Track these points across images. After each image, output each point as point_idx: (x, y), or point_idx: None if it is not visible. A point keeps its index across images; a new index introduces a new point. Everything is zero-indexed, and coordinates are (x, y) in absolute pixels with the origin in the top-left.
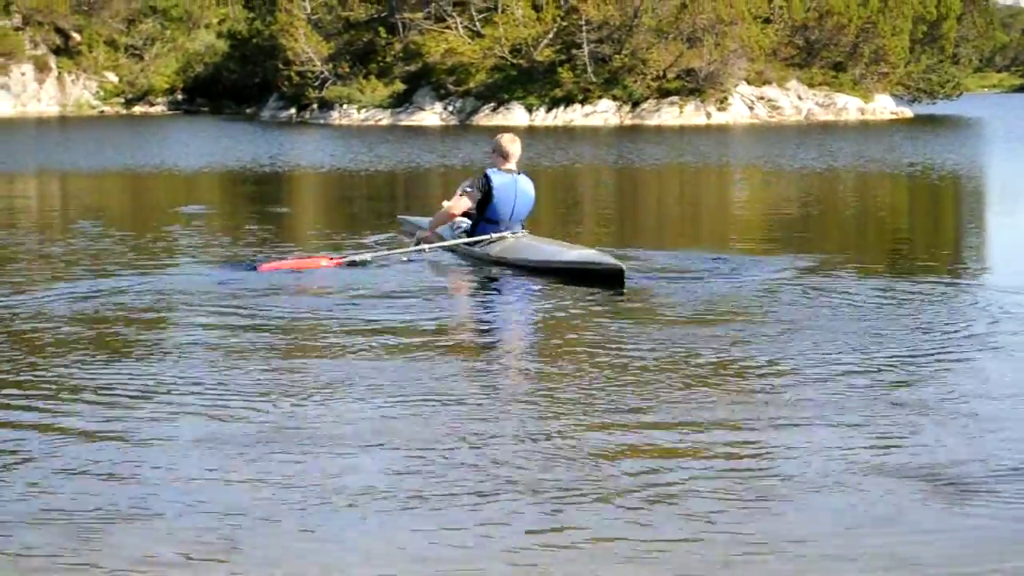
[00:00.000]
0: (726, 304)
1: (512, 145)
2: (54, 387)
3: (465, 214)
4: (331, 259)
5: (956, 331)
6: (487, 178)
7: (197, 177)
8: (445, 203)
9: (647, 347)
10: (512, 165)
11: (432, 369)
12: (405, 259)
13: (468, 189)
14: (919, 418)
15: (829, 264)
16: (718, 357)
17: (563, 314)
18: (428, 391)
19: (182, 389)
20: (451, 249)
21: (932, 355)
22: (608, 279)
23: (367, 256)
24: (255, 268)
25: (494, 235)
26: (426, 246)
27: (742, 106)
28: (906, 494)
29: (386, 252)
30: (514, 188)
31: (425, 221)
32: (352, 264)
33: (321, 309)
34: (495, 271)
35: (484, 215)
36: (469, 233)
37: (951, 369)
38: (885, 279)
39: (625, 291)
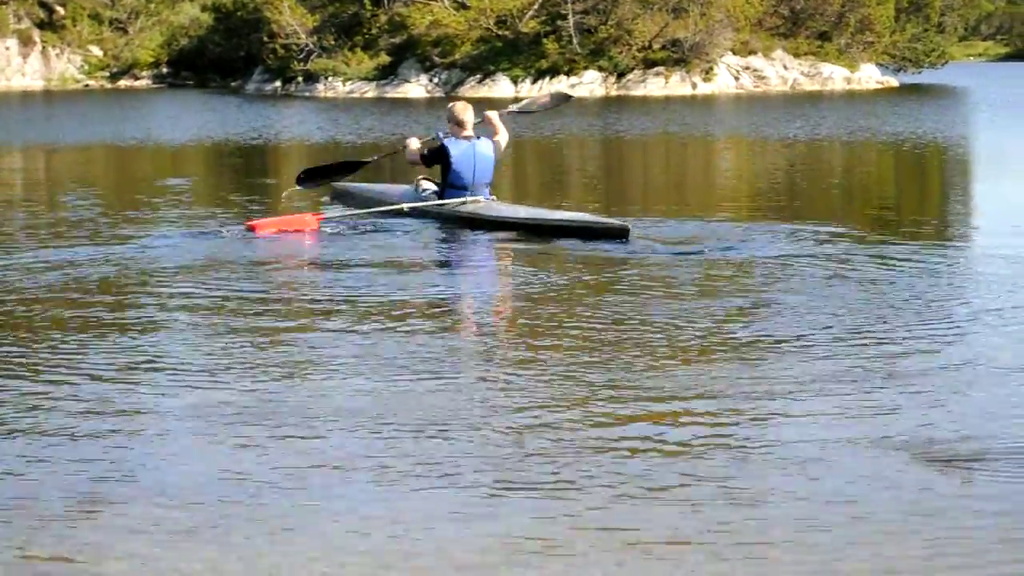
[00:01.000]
0: (716, 275)
1: (465, 113)
2: (37, 360)
3: (432, 182)
4: (316, 215)
5: (949, 299)
6: (444, 148)
7: (182, 150)
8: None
9: (638, 319)
10: (469, 131)
11: (427, 344)
12: (381, 218)
13: (424, 152)
14: (916, 391)
15: (818, 233)
16: (711, 331)
17: (560, 281)
18: (421, 368)
19: (166, 363)
20: (427, 210)
21: (926, 325)
22: (612, 237)
23: (348, 212)
24: (248, 228)
25: (467, 198)
26: (405, 205)
27: (728, 76)
28: (902, 468)
29: (366, 211)
30: (472, 153)
31: (367, 187)
32: (334, 219)
33: (308, 280)
34: (478, 233)
35: (448, 181)
36: (439, 197)
37: (946, 340)
38: (874, 248)
39: (615, 260)
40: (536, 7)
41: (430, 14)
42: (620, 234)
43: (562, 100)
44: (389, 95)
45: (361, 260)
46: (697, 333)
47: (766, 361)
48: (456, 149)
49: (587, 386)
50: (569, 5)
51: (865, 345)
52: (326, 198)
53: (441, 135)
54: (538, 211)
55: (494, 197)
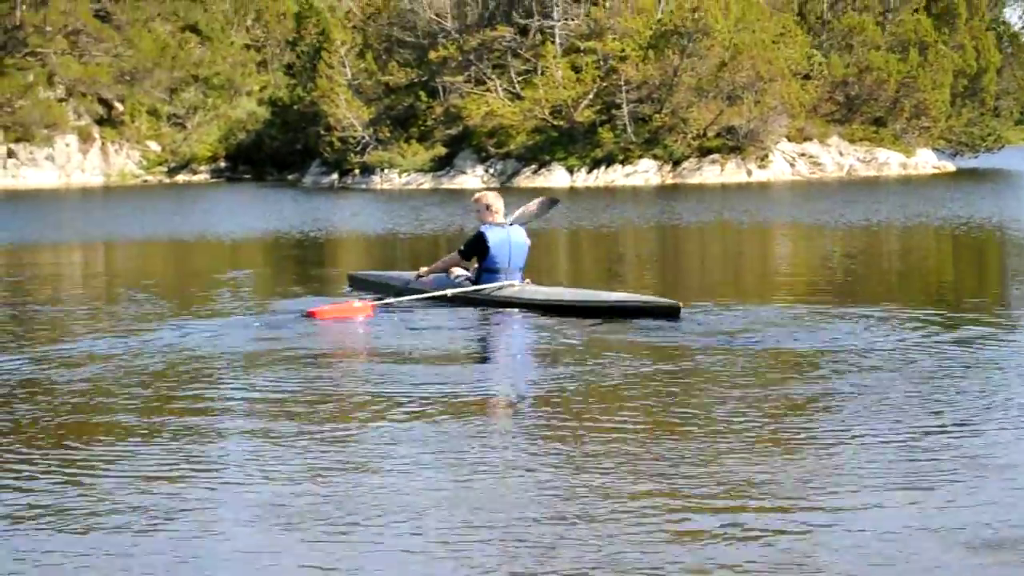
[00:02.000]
0: (774, 364)
1: (497, 201)
2: (97, 456)
3: (464, 268)
4: (371, 303)
5: (1013, 388)
6: (482, 236)
7: (241, 244)
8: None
9: (697, 410)
10: (501, 218)
11: (485, 437)
12: (424, 300)
13: (462, 250)
14: (981, 479)
15: (877, 321)
16: (774, 416)
17: (615, 371)
18: (481, 462)
19: (226, 460)
20: (469, 296)
21: (990, 415)
22: (662, 316)
23: (399, 299)
24: (308, 315)
25: (504, 282)
26: (449, 291)
27: (783, 163)
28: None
29: (413, 297)
30: (508, 239)
31: (388, 275)
32: (387, 306)
33: (367, 372)
34: (525, 316)
35: (484, 266)
36: (474, 283)
37: (1013, 430)
38: (934, 336)
39: (672, 348)
40: (591, 97)
41: (485, 105)
42: (670, 313)
43: (550, 205)
44: (445, 186)
45: (418, 351)
46: (756, 423)
47: (826, 452)
48: (493, 235)
49: (650, 479)
50: (623, 94)
51: (929, 434)
52: (347, 288)
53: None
54: (580, 292)
55: (528, 280)
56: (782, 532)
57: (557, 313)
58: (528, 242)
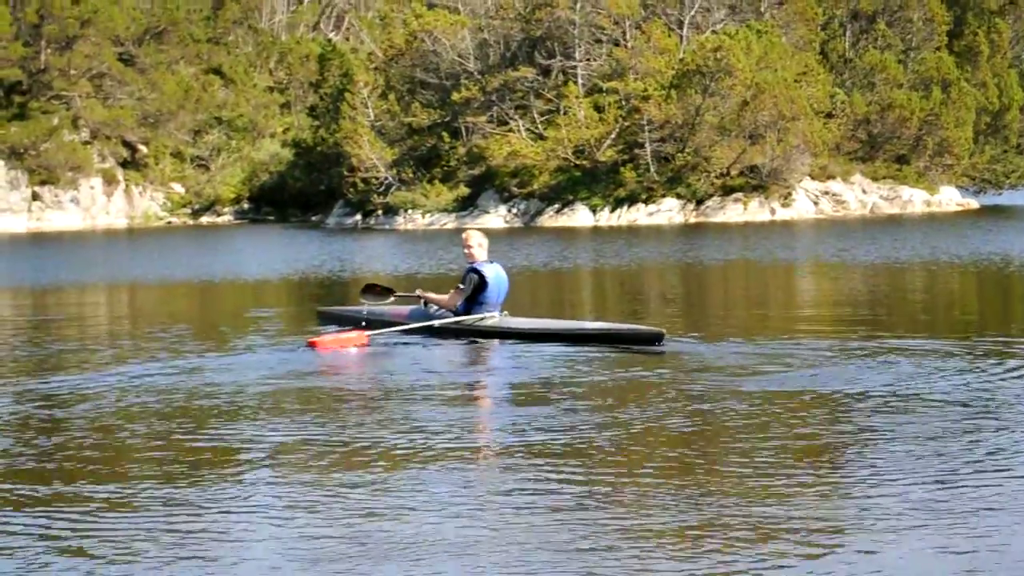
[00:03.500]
0: (803, 398)
1: (482, 238)
2: (127, 493)
3: None
4: (366, 334)
5: None
6: (479, 272)
7: (264, 284)
8: (431, 293)
9: (723, 443)
10: (485, 255)
11: (508, 476)
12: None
13: (461, 287)
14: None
15: (903, 357)
16: (808, 456)
17: (639, 411)
18: (506, 500)
19: (252, 500)
20: (454, 327)
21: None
22: (647, 342)
23: (391, 330)
24: (309, 345)
25: (486, 314)
26: (436, 323)
27: (807, 201)
28: None
29: (404, 327)
30: (497, 276)
31: (359, 308)
32: (380, 336)
33: (377, 407)
34: (512, 345)
35: (476, 299)
36: (458, 315)
37: None
38: (960, 372)
39: (697, 389)
40: (613, 136)
41: (508, 145)
42: (653, 340)
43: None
44: (468, 226)
45: (422, 384)
46: (785, 463)
47: (858, 492)
48: (488, 272)
49: (682, 518)
50: (646, 133)
51: (960, 472)
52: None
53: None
54: (565, 322)
55: (507, 313)
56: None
57: (544, 341)
58: (507, 280)
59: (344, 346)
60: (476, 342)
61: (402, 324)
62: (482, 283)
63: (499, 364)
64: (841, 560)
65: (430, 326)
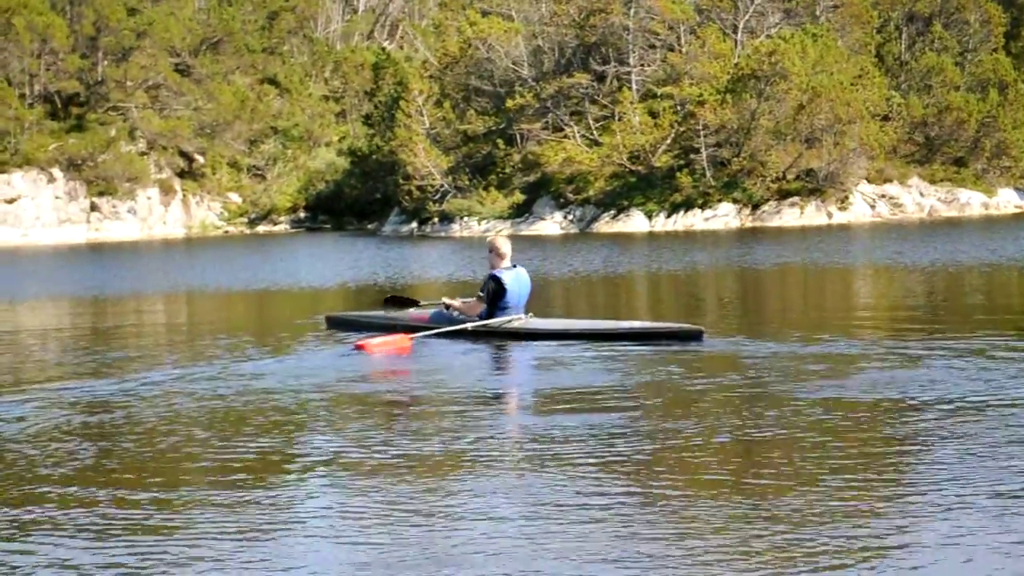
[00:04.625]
0: (866, 401)
1: (505, 246)
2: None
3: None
4: (409, 336)
5: None
6: (497, 278)
7: (322, 292)
8: (456, 300)
9: (782, 445)
10: (508, 262)
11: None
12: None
13: (481, 294)
14: None
15: (968, 357)
16: (866, 462)
17: (690, 409)
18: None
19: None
20: (488, 329)
21: None
22: (686, 340)
23: (430, 333)
24: (357, 347)
25: (511, 317)
26: (469, 325)
27: (863, 205)
28: None
29: (440, 330)
30: (517, 280)
31: (372, 314)
32: (422, 340)
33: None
34: (548, 344)
35: (497, 305)
36: (484, 319)
37: None
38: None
39: (751, 391)
40: (668, 141)
41: (563, 151)
42: (691, 337)
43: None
44: (524, 233)
45: (474, 390)
46: (842, 470)
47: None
48: (507, 277)
49: (733, 527)
50: (702, 138)
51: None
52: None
53: (442, 304)
54: (599, 322)
55: (531, 314)
56: None
57: (586, 340)
58: (530, 283)
59: (388, 349)
60: (520, 344)
61: (425, 328)
62: (500, 289)
63: (546, 368)
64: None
65: (464, 328)
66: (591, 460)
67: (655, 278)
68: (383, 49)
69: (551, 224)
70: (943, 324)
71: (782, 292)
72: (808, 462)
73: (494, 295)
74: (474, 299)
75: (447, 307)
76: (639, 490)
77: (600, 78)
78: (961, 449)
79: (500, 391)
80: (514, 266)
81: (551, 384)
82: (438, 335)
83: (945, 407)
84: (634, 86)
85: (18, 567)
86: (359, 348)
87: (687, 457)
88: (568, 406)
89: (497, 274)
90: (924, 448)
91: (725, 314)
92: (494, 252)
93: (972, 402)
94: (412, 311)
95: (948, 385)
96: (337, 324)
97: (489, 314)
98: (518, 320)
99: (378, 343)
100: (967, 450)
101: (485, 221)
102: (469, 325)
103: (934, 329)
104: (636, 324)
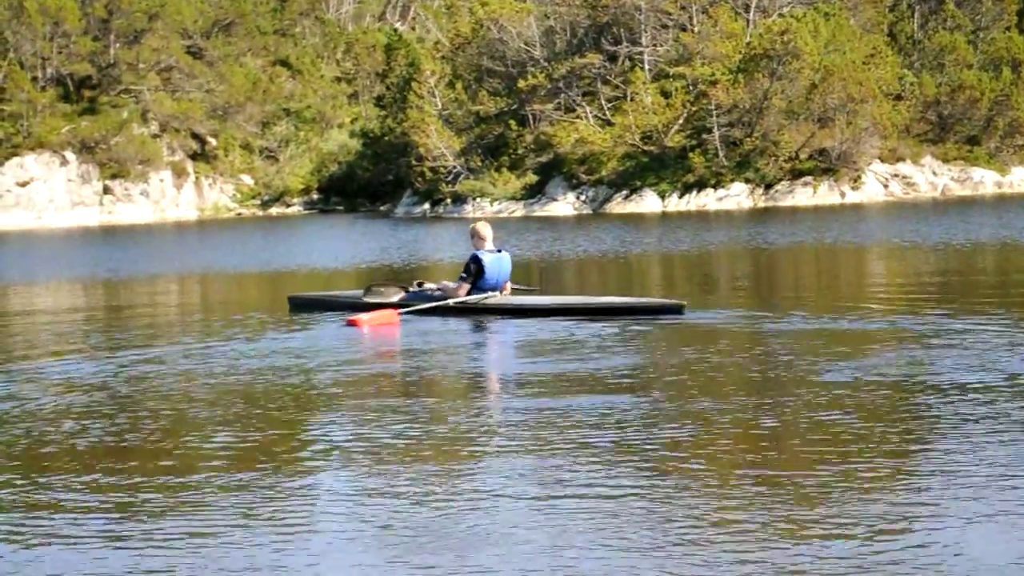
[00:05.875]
0: (882, 381)
1: (486, 229)
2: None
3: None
4: (397, 312)
5: None
6: (478, 259)
7: (337, 274)
8: (443, 283)
9: (796, 426)
10: (490, 244)
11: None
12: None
13: (464, 276)
14: None
15: (983, 335)
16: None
17: (707, 389)
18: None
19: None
20: (465, 304)
21: None
22: (669, 313)
23: (416, 308)
24: (349, 323)
25: (487, 294)
26: (451, 300)
27: (876, 184)
28: None
29: (423, 306)
30: (497, 263)
31: (337, 294)
32: (406, 315)
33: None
34: (522, 321)
35: (475, 284)
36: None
37: None
38: None
39: (772, 378)
40: (681, 121)
41: (575, 132)
42: (674, 311)
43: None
44: (537, 213)
45: (471, 370)
46: (856, 453)
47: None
48: (488, 258)
49: (750, 511)
50: (714, 118)
51: None
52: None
53: (416, 284)
54: (578, 297)
55: (508, 291)
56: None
57: (571, 315)
58: (510, 267)
59: (378, 323)
60: (501, 320)
61: (401, 306)
62: (480, 269)
63: (538, 346)
64: (914, 552)
65: (446, 305)
66: (601, 442)
67: (667, 258)
68: (395, 30)
69: (564, 205)
70: (958, 303)
71: (795, 271)
72: (823, 443)
73: (475, 275)
74: (456, 282)
75: (421, 286)
76: (654, 473)
77: (612, 58)
78: (983, 429)
79: (499, 373)
80: (499, 250)
81: (557, 367)
82: (421, 311)
83: (961, 386)
84: (646, 66)
85: (31, 544)
86: (351, 324)
87: (707, 439)
88: (573, 387)
89: (479, 255)
90: (941, 428)
91: (737, 292)
92: (476, 236)
93: (990, 381)
94: (394, 296)
95: (963, 364)
96: (301, 306)
97: (467, 292)
98: (492, 298)
99: (368, 318)
100: (990, 430)
101: (498, 202)
102: (451, 301)
103: (950, 307)
104: (616, 300)
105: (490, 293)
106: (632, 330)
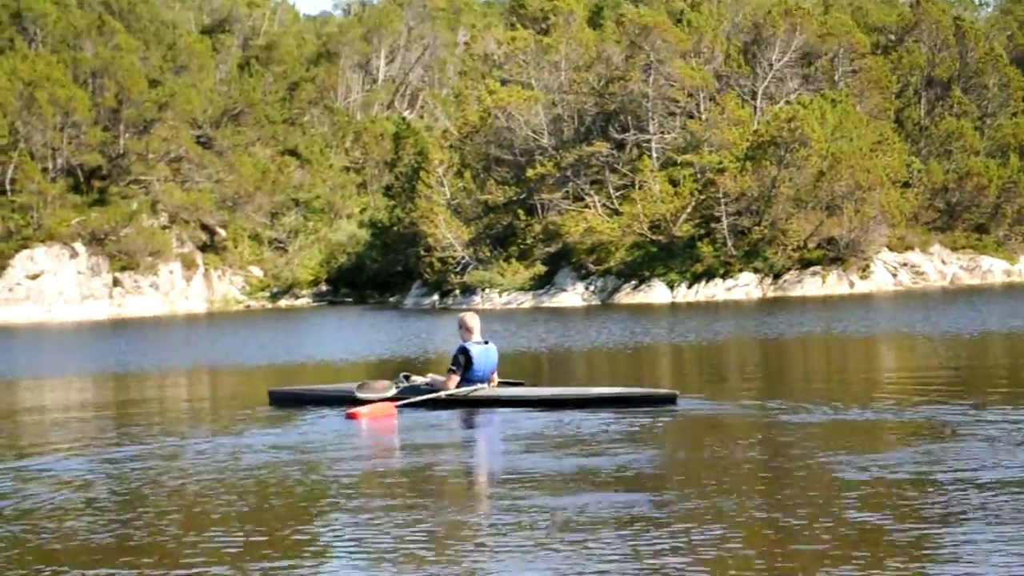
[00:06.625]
0: (893, 474)
1: (473, 320)
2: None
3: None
4: (394, 404)
5: None
6: (466, 351)
7: (348, 366)
8: (431, 376)
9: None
10: (477, 336)
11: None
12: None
13: (453, 368)
14: None
15: (994, 429)
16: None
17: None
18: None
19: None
20: (454, 397)
21: None
22: (661, 403)
23: (410, 401)
24: (348, 416)
25: (476, 387)
26: (443, 393)
27: (885, 273)
28: None
29: (417, 399)
30: (485, 354)
31: (316, 388)
32: (404, 406)
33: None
34: (499, 411)
35: (465, 376)
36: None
37: None
38: None
39: (777, 456)
40: (689, 210)
41: (583, 221)
42: (666, 401)
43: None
44: (546, 304)
45: (467, 462)
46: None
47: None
48: (475, 349)
49: None
50: (722, 207)
51: None
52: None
53: (402, 377)
54: (569, 389)
55: (495, 383)
56: None
57: (563, 408)
58: (497, 358)
59: (376, 416)
60: (492, 412)
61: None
62: (468, 360)
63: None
64: None
65: (438, 397)
66: (615, 532)
67: (677, 349)
68: (403, 118)
69: (573, 295)
70: (968, 394)
71: (804, 361)
72: (831, 533)
73: (464, 367)
74: (445, 375)
75: (408, 379)
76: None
77: (620, 146)
78: (987, 524)
79: (498, 469)
80: (486, 342)
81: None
82: (415, 404)
83: (971, 479)
84: (654, 154)
85: None
86: (351, 417)
87: (716, 531)
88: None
89: (467, 347)
90: (949, 523)
91: (747, 382)
92: (464, 327)
93: (999, 476)
94: (387, 391)
95: (974, 456)
96: (281, 400)
97: (456, 384)
98: (480, 390)
99: (368, 411)
100: (993, 525)
101: (507, 293)
102: (443, 394)
103: (960, 399)
104: (607, 390)
105: (479, 385)
106: (627, 421)
